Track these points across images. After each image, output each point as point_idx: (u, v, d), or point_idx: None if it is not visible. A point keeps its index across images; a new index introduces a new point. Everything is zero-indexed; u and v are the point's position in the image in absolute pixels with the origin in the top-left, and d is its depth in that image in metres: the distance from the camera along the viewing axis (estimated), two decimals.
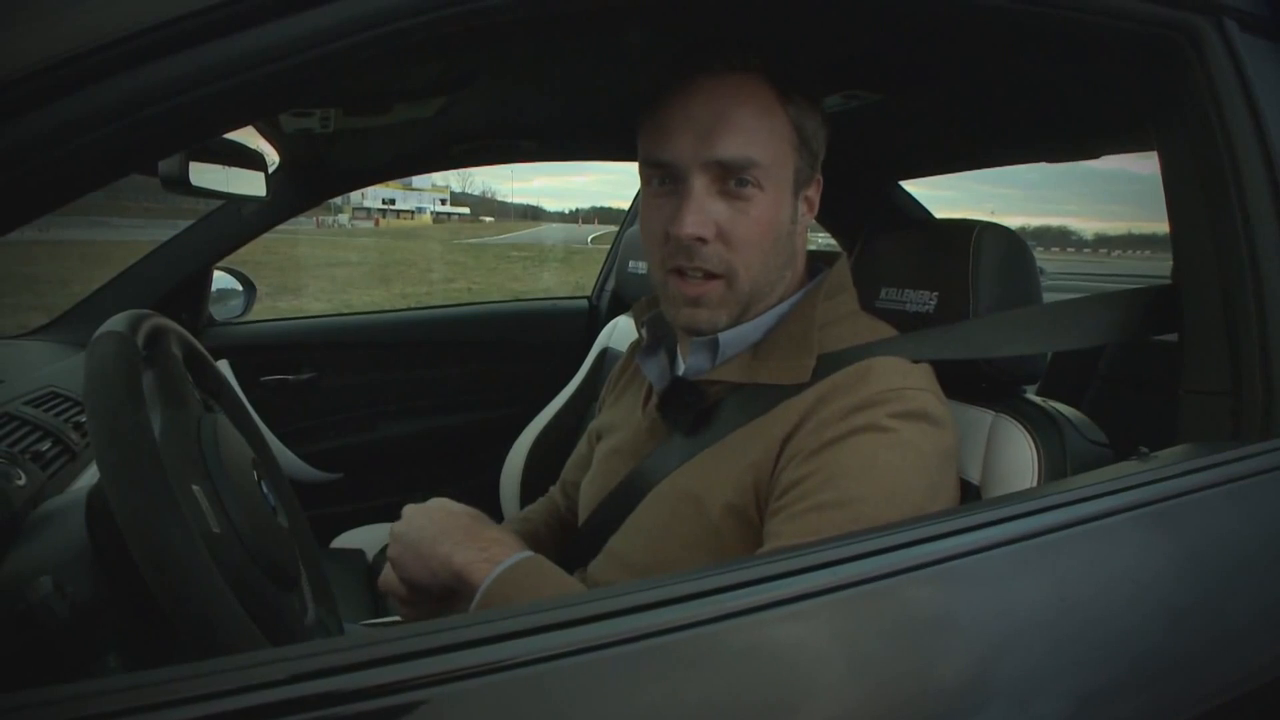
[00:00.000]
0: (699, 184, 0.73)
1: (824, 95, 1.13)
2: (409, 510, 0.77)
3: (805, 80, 0.78)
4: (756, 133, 0.73)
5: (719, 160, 0.72)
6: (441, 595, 0.73)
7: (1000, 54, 0.93)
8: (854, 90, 1.13)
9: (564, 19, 0.57)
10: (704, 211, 0.73)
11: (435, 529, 0.74)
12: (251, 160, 1.23)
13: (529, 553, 0.71)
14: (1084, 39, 0.74)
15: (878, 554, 0.53)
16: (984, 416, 0.82)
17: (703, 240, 0.73)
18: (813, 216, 0.82)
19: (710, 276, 0.75)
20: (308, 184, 1.65)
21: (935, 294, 0.86)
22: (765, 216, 0.74)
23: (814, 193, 0.81)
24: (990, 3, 0.66)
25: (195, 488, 0.59)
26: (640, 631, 0.46)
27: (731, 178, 0.73)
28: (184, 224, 1.70)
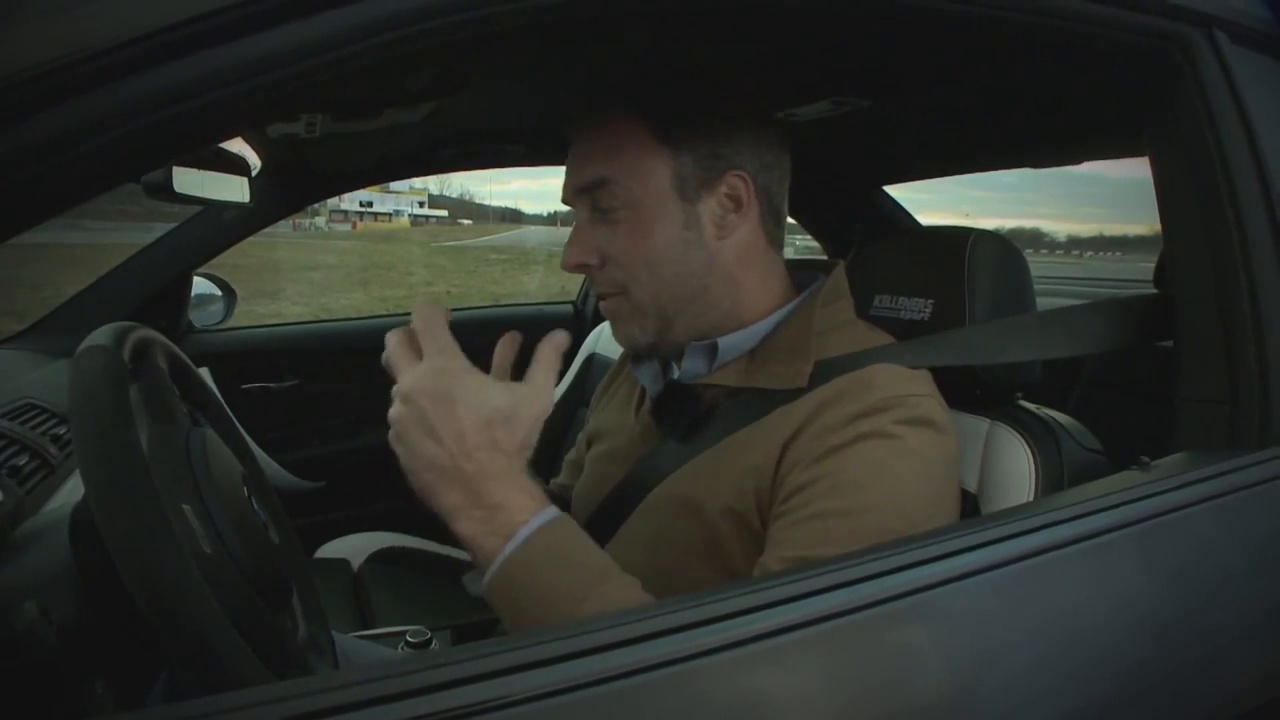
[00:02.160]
0: (581, 215, 0.78)
1: (801, 104, 1.14)
2: (425, 390, 0.59)
3: (672, 103, 0.76)
4: (608, 154, 0.76)
5: (577, 187, 0.77)
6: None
7: (993, 62, 0.94)
8: (844, 96, 1.14)
9: (569, 24, 0.56)
10: (584, 241, 0.77)
11: (437, 458, 0.59)
12: (235, 166, 1.21)
13: (538, 521, 0.60)
14: (1076, 48, 0.75)
15: (888, 574, 0.52)
16: (980, 424, 0.82)
17: (589, 266, 0.78)
18: (743, 212, 0.77)
19: (613, 294, 0.78)
20: (290, 189, 1.63)
21: (930, 301, 0.86)
22: (640, 231, 0.75)
23: (739, 190, 0.76)
24: (984, 13, 0.66)
25: (186, 507, 0.58)
26: (611, 672, 0.44)
27: (598, 205, 0.76)
28: (159, 227, 1.67)
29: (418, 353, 0.62)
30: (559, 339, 0.65)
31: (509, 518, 0.59)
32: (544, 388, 0.63)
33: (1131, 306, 0.81)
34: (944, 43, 0.85)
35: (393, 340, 0.63)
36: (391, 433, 0.60)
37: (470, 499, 0.59)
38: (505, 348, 0.72)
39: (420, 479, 0.60)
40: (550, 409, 0.63)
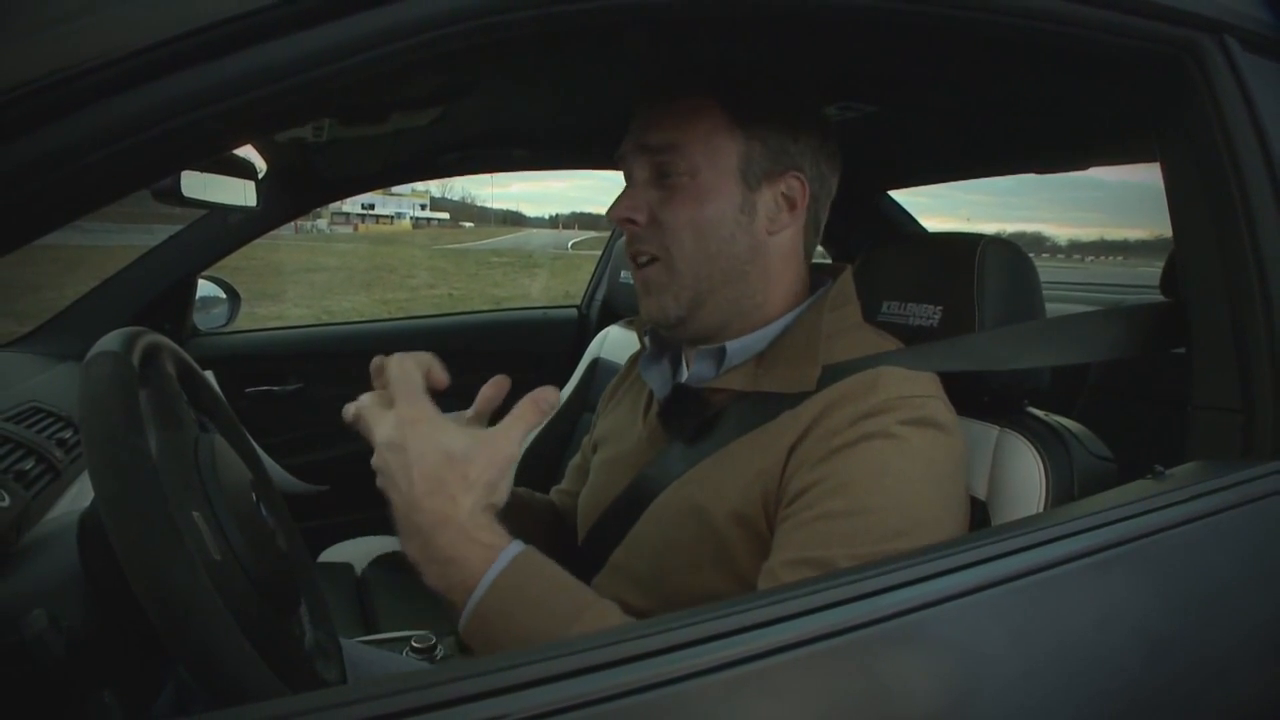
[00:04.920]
0: (639, 175, 0.79)
1: (820, 106, 1.13)
2: (393, 458, 0.59)
3: (758, 98, 0.78)
4: (685, 126, 0.77)
5: (642, 144, 0.78)
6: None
7: (1000, 68, 0.94)
8: (851, 101, 1.13)
9: (578, 30, 0.56)
10: (636, 197, 0.78)
11: (399, 507, 0.59)
12: (242, 169, 1.21)
13: (496, 569, 0.59)
14: (1085, 55, 0.75)
15: (885, 592, 0.51)
16: (989, 431, 0.81)
17: (633, 223, 0.78)
18: (795, 214, 0.79)
19: (651, 261, 0.79)
20: (296, 192, 1.63)
21: (939, 308, 0.85)
22: (695, 200, 0.76)
23: (795, 191, 0.79)
24: (992, 19, 0.66)
25: (195, 514, 0.57)
26: (597, 695, 0.44)
27: (661, 168, 0.77)
28: (160, 229, 1.67)
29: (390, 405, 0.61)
30: (546, 397, 0.63)
31: (462, 572, 0.58)
32: (509, 435, 0.61)
33: (1142, 314, 0.80)
34: (951, 49, 0.85)
35: (366, 398, 0.63)
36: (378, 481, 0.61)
37: (425, 552, 0.58)
38: (489, 390, 0.69)
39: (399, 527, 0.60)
40: (517, 458, 0.62)
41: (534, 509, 0.99)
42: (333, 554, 1.68)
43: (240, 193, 1.20)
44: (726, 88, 0.78)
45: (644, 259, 0.79)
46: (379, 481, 0.60)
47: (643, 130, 0.78)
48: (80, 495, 1.00)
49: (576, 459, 1.07)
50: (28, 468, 0.94)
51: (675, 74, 0.79)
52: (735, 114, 0.77)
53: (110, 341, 0.60)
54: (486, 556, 0.59)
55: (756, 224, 0.78)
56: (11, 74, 0.38)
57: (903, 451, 0.67)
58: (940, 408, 0.71)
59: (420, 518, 0.58)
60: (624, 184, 0.82)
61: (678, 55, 0.85)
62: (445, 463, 0.58)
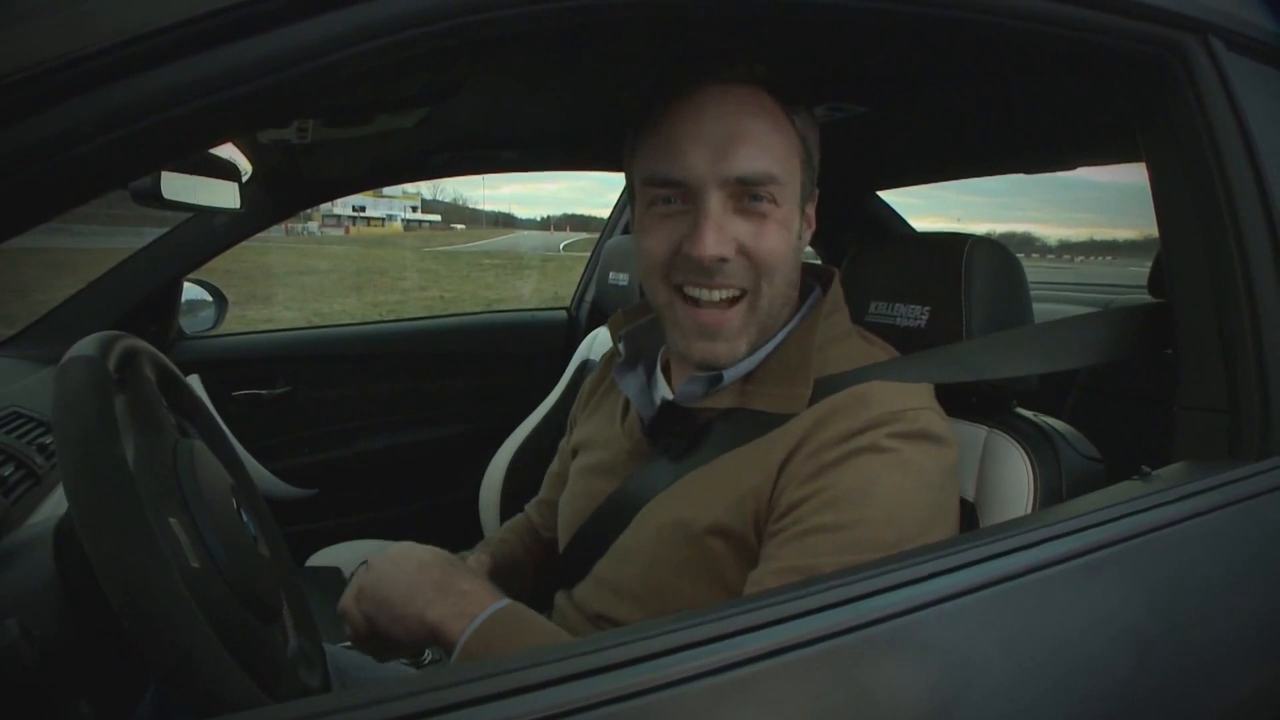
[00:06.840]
0: (716, 201, 0.70)
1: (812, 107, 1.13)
2: (374, 561, 0.76)
3: (803, 93, 0.76)
4: (772, 147, 0.71)
5: (740, 177, 0.70)
6: (417, 649, 0.77)
7: (988, 68, 0.94)
8: (839, 102, 1.13)
9: (563, 30, 0.55)
10: (724, 230, 0.70)
11: (405, 584, 0.72)
12: (225, 171, 1.19)
13: (504, 601, 0.70)
14: (1072, 55, 0.74)
15: (872, 596, 0.51)
16: (978, 433, 0.81)
17: (724, 260, 0.70)
18: (809, 231, 0.79)
19: (730, 302, 0.73)
20: (282, 194, 1.62)
21: (927, 309, 0.85)
22: (783, 232, 0.73)
23: (812, 208, 0.79)
24: (980, 20, 0.66)
25: (172, 520, 0.56)
26: (580, 703, 0.43)
27: (748, 194, 0.71)
28: (150, 231, 1.66)
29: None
30: None
31: (473, 603, 0.69)
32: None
33: (1131, 317, 0.80)
34: (939, 49, 0.85)
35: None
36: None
37: (442, 591, 0.71)
38: None
39: (395, 594, 0.73)
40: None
41: (515, 561, 0.98)
42: (321, 558, 1.67)
43: (223, 194, 1.19)
44: (796, 105, 0.74)
45: (725, 294, 0.72)
46: (359, 607, 0.77)
47: (726, 157, 0.69)
48: (61, 503, 0.99)
49: (554, 465, 1.05)
50: (7, 474, 0.92)
51: (724, 61, 0.72)
52: (801, 136, 0.74)
53: (85, 346, 0.59)
54: (495, 593, 0.71)
55: (801, 247, 0.78)
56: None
57: (892, 464, 0.66)
58: (933, 419, 0.71)
59: (432, 573, 0.73)
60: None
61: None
62: (423, 562, 0.74)
